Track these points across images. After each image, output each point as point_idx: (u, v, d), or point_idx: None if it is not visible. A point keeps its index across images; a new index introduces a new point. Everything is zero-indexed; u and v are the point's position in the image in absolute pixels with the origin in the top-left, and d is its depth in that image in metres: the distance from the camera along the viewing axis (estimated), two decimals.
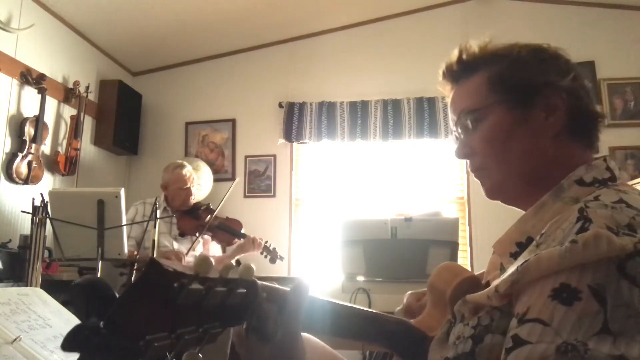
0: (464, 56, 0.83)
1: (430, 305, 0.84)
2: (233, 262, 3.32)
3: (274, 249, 3.20)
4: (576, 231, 0.58)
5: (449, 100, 0.87)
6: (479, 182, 0.83)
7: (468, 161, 0.83)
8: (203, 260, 0.50)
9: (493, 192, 0.81)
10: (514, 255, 0.71)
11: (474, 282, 0.78)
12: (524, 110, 0.76)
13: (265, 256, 3.18)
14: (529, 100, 0.76)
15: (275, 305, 0.56)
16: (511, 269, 0.63)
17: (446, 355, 0.67)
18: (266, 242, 3.19)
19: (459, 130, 0.82)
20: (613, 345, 0.50)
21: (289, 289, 0.61)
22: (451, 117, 0.85)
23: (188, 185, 3.15)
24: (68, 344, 0.42)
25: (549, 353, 0.51)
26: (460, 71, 0.83)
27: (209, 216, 3.12)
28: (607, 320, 0.51)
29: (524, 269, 0.59)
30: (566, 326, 0.52)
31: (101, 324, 0.42)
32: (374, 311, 0.78)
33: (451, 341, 0.68)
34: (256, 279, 0.55)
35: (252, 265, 0.55)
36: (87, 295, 0.44)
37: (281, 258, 3.24)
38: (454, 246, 2.37)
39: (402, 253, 2.34)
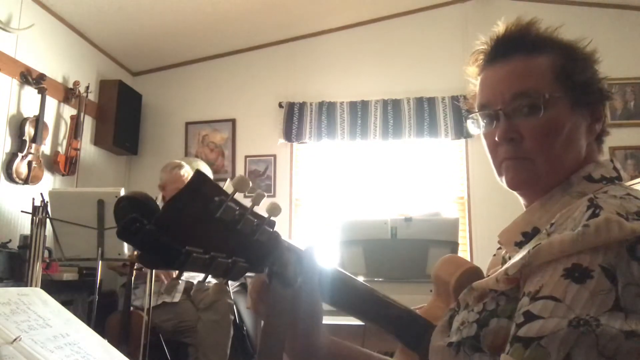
0: (534, 31, 0.79)
1: (434, 296, 0.86)
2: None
3: None
4: (587, 217, 0.59)
5: (491, 70, 0.80)
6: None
7: (504, 147, 0.76)
8: (242, 179, 0.55)
9: (525, 184, 0.76)
10: (519, 245, 0.72)
11: (476, 273, 0.80)
12: (580, 110, 0.75)
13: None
14: (585, 102, 0.76)
15: (294, 255, 0.60)
16: (521, 254, 0.64)
17: (450, 340, 0.68)
18: None
19: (508, 110, 0.75)
20: (624, 321, 0.52)
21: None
22: (495, 90, 0.77)
23: None
24: (122, 232, 0.47)
25: (561, 327, 0.53)
26: (523, 45, 0.77)
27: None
28: (618, 298, 0.53)
29: (535, 252, 0.61)
30: (579, 303, 0.54)
31: (152, 222, 0.47)
32: (382, 293, 0.79)
33: (454, 327, 0.69)
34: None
35: (278, 205, 0.59)
36: (132, 208, 0.46)
37: None
38: (454, 246, 2.37)
39: (402, 253, 2.33)
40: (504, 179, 0.78)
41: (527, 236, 0.72)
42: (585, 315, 0.52)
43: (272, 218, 0.58)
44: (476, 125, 0.82)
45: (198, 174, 0.50)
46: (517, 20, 0.80)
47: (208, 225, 0.51)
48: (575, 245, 0.57)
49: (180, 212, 0.49)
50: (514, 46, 0.78)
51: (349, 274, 0.76)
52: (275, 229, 0.58)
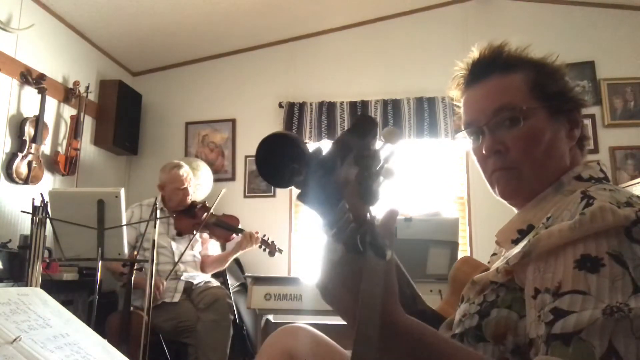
0: (505, 53, 0.84)
1: (449, 295, 0.90)
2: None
3: (272, 242, 3.17)
4: (583, 207, 0.63)
5: (472, 91, 0.85)
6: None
7: (492, 159, 0.81)
8: (392, 130, 0.53)
9: (515, 192, 0.81)
10: (515, 242, 0.76)
11: None
12: (557, 119, 0.80)
13: (264, 250, 3.15)
14: (562, 111, 0.81)
15: (382, 227, 0.57)
16: (519, 246, 0.66)
17: (453, 332, 0.71)
18: (264, 235, 3.16)
19: (491, 125, 0.81)
20: None
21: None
22: (477, 108, 0.83)
23: (185, 186, 3.13)
24: (304, 164, 0.45)
25: (597, 316, 0.54)
26: (495, 66, 0.83)
27: (206, 214, 3.11)
28: (634, 279, 0.56)
29: (535, 241, 0.63)
30: (604, 291, 0.56)
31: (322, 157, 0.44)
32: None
33: (457, 320, 0.72)
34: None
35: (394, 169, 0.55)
36: (283, 147, 0.43)
37: (280, 251, 3.19)
38: (454, 246, 2.37)
39: (402, 253, 2.33)
40: (496, 190, 0.83)
41: (523, 233, 0.75)
42: (615, 302, 0.55)
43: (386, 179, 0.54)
44: (465, 142, 0.88)
45: (364, 115, 0.49)
46: (490, 44, 0.85)
47: (353, 170, 0.48)
48: (573, 234, 0.60)
49: (344, 151, 0.47)
50: (489, 67, 0.83)
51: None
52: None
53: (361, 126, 0.49)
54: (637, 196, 0.65)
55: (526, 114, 0.78)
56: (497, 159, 0.81)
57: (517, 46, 0.85)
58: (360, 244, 0.52)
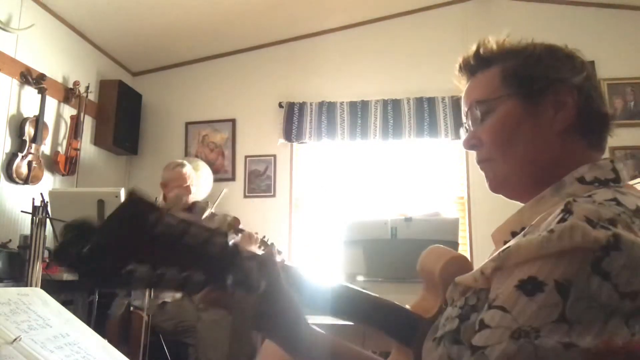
0: (481, 50, 0.84)
1: (423, 289, 0.87)
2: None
3: (272, 243, 3.18)
4: (556, 222, 0.59)
5: (463, 93, 0.87)
6: (479, 180, 0.84)
7: (475, 153, 0.83)
8: (176, 197, 0.55)
9: (497, 185, 0.81)
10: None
11: (460, 261, 0.82)
12: (533, 103, 0.76)
13: (263, 251, 3.17)
14: (539, 95, 0.76)
15: (254, 261, 0.61)
16: (495, 254, 0.65)
17: (435, 336, 0.69)
18: (263, 237, 3.17)
19: (469, 122, 0.82)
20: (565, 333, 0.52)
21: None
22: (463, 109, 0.86)
23: (187, 184, 3.14)
24: (57, 258, 0.47)
25: (504, 338, 0.54)
26: (477, 65, 0.84)
27: (206, 214, 3.11)
28: (564, 311, 0.53)
29: (505, 255, 0.61)
30: (524, 314, 0.54)
31: (87, 247, 0.47)
32: (371, 293, 0.79)
33: (440, 323, 0.70)
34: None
35: (230, 217, 0.60)
36: (75, 233, 0.47)
37: (279, 252, 3.22)
38: (454, 246, 2.37)
39: (402, 253, 2.33)
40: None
41: (516, 236, 0.72)
42: (527, 326, 0.53)
43: (226, 231, 0.57)
44: None
45: (132, 192, 0.51)
46: (472, 46, 0.85)
47: (152, 242, 0.50)
48: (539, 251, 0.57)
49: (116, 233, 0.49)
50: (472, 68, 0.84)
51: (339, 282, 0.77)
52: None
53: (128, 203, 0.51)
54: (633, 211, 0.60)
55: (493, 105, 0.78)
56: (476, 154, 0.82)
57: (496, 39, 0.83)
58: (230, 285, 0.56)
